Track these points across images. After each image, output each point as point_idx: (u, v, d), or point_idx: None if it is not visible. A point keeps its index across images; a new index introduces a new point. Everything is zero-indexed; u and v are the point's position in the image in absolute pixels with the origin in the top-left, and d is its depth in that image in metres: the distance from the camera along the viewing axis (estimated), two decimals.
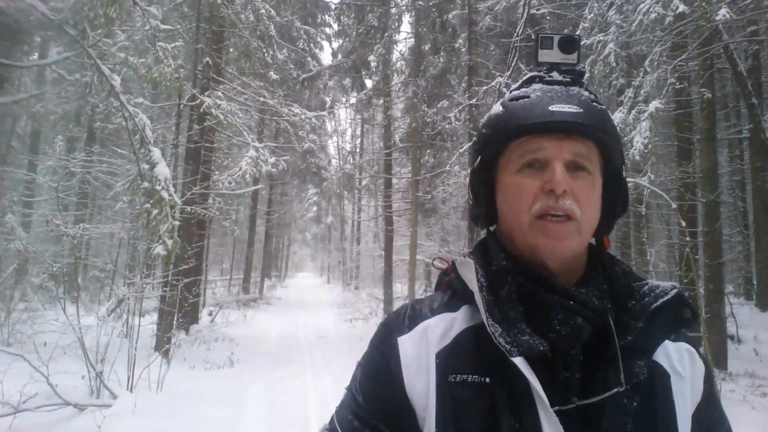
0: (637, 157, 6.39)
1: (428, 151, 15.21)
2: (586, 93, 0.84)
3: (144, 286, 7.89)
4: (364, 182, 21.46)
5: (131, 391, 6.18)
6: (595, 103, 0.82)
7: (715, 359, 7.69)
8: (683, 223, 6.89)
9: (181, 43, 8.77)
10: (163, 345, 8.07)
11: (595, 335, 0.77)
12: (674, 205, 6.79)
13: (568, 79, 0.86)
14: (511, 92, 0.88)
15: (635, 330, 0.77)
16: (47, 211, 13.60)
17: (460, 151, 10.94)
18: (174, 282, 8.22)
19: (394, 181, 17.79)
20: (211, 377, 7.63)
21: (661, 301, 0.79)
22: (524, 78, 0.90)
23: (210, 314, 13.59)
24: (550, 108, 0.79)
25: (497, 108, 0.87)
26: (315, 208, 33.17)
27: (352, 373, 0.90)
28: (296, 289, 30.21)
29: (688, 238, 7.10)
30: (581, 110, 0.79)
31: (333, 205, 30.61)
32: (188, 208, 9.18)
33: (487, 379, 0.76)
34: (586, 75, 0.89)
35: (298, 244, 47.01)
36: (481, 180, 0.89)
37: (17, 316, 8.72)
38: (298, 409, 6.29)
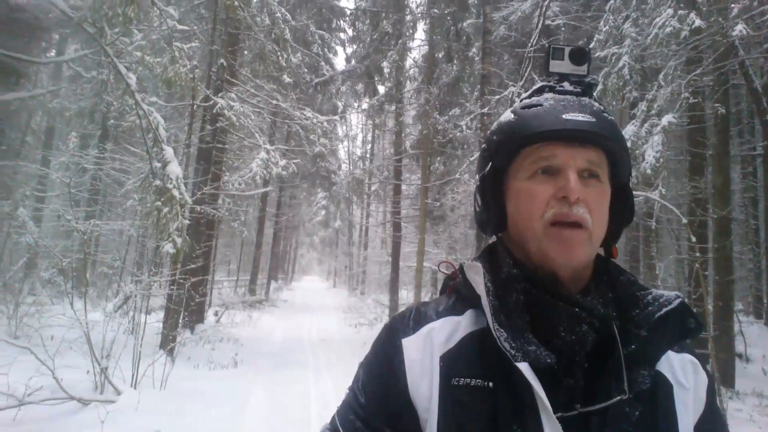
0: (649, 171, 6.35)
1: (438, 158, 15.20)
2: (596, 104, 0.85)
3: (151, 284, 7.93)
4: (373, 188, 21.50)
5: (135, 388, 6.21)
6: (605, 114, 0.83)
7: (723, 377, 7.61)
8: (693, 239, 6.84)
9: (197, 44, 8.84)
10: (168, 343, 8.11)
11: (599, 343, 0.77)
12: (685, 220, 6.75)
13: (578, 90, 0.87)
14: (522, 101, 0.89)
15: (639, 339, 0.77)
16: (59, 206, 13.72)
17: (471, 159, 10.94)
18: (181, 281, 8.26)
19: (404, 187, 17.81)
20: (214, 377, 7.65)
21: (665, 310, 0.79)
22: (535, 87, 0.91)
23: (216, 314, 13.63)
24: (563, 116, 0.80)
25: (508, 115, 0.87)
26: (323, 212, 33.26)
27: (354, 374, 0.90)
28: (302, 293, 30.24)
29: (698, 254, 7.05)
30: (594, 119, 0.80)
31: (341, 210, 30.64)
32: (198, 208, 9.23)
33: (491, 384, 0.76)
34: (599, 87, 0.90)
35: (306, 247, 47.14)
36: (491, 186, 0.89)
37: (25, 309, 8.79)
38: (300, 411, 6.29)
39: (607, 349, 0.77)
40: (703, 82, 7.80)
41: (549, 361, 0.73)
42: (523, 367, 0.72)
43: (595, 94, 0.89)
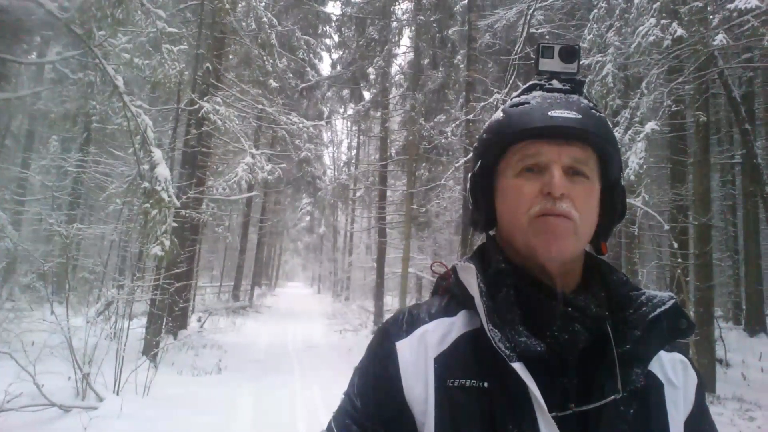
0: (632, 178, 6.43)
1: (424, 164, 15.28)
2: (586, 101, 0.85)
3: (134, 288, 7.83)
4: (358, 193, 21.51)
5: (117, 394, 6.12)
6: (594, 110, 0.83)
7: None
8: (675, 245, 6.93)
9: (185, 47, 8.79)
10: (151, 349, 8.00)
11: (592, 342, 0.78)
12: (666, 227, 6.84)
13: (567, 87, 0.87)
14: (512, 99, 0.89)
15: (633, 338, 0.78)
16: (40, 210, 13.49)
17: (456, 165, 11.00)
18: (165, 286, 8.17)
19: (389, 193, 17.82)
20: (198, 383, 7.57)
21: (658, 310, 0.79)
22: (525, 86, 0.91)
23: (199, 320, 13.50)
24: (549, 113, 0.80)
25: (498, 114, 0.88)
26: (308, 218, 33.07)
27: (348, 380, 0.90)
28: (286, 299, 30.05)
29: (679, 260, 7.16)
30: (580, 116, 0.80)
31: (326, 216, 30.43)
32: (183, 212, 9.15)
33: (486, 384, 0.76)
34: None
35: (290, 253, 46.75)
36: (481, 184, 0.90)
37: (4, 315, 8.62)
38: (285, 418, 6.25)
39: (601, 348, 0.78)
40: (684, 91, 7.92)
41: (539, 349, 0.74)
42: (518, 367, 0.73)
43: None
